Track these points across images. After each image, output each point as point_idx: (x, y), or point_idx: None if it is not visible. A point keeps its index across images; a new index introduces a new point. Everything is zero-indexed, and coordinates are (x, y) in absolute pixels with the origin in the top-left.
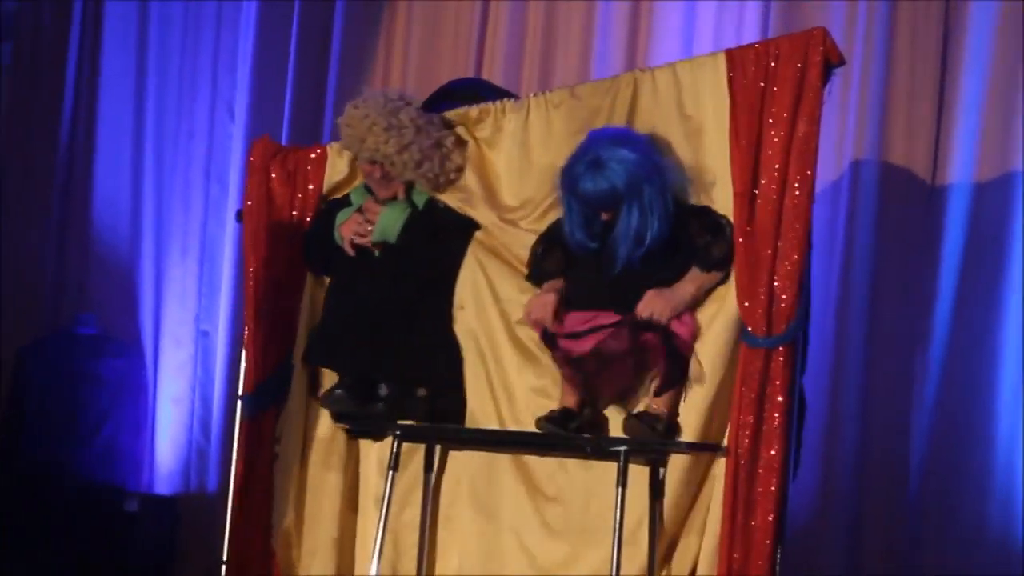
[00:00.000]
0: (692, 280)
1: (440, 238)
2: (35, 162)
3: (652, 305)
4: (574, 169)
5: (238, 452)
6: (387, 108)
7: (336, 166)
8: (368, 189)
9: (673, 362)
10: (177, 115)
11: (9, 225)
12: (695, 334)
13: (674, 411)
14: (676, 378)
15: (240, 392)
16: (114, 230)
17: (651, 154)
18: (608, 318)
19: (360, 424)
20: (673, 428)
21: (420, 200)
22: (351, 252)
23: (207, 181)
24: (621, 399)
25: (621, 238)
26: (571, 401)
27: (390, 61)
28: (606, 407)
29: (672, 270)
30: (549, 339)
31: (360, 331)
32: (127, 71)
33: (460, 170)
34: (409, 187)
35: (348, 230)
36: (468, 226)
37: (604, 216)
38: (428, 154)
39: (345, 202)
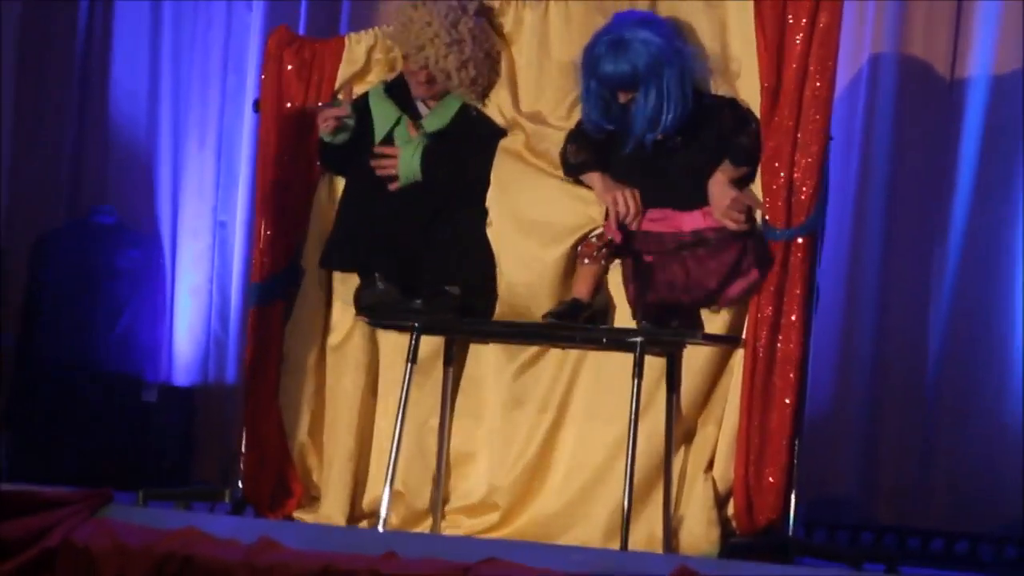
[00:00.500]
0: (724, 173)
1: (466, 151)
2: (52, 53)
3: (730, 204)
4: (595, 49)
5: (249, 338)
6: (449, 19)
7: (352, 56)
8: (387, 92)
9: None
10: (194, 3)
11: (27, 116)
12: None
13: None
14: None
15: (250, 280)
16: (132, 120)
17: (673, 39)
18: (674, 218)
19: (381, 316)
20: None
21: (452, 107)
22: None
23: (224, 71)
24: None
25: (637, 119)
26: (583, 291)
27: None
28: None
29: (707, 161)
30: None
31: (389, 233)
32: None
33: (493, 85)
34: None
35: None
36: (497, 133)
37: (622, 98)
38: (481, 69)
39: (362, 105)
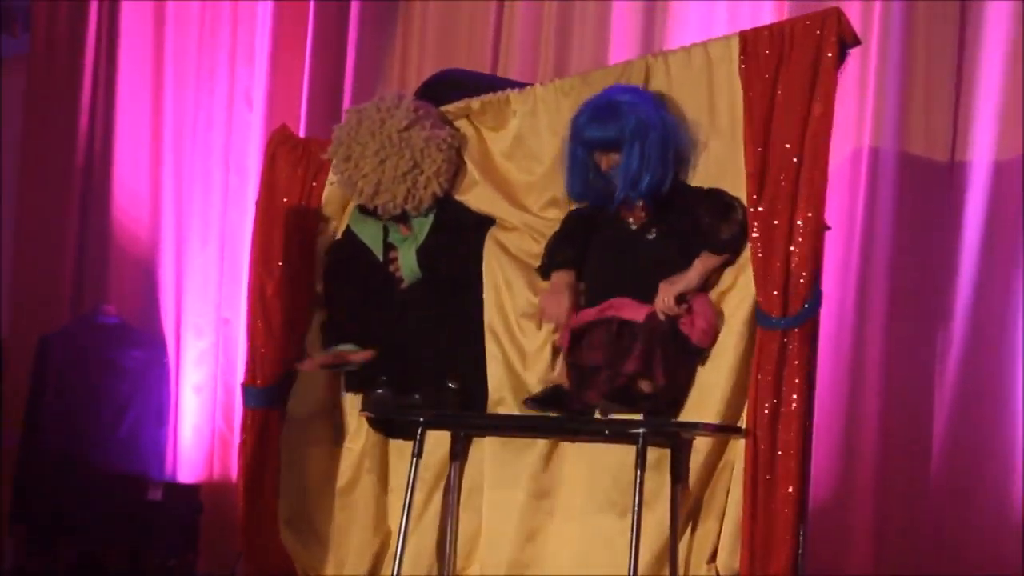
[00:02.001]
0: (701, 262)
1: (460, 238)
2: (55, 153)
3: (662, 294)
4: (581, 116)
5: (244, 442)
6: (379, 136)
7: None
8: (361, 211)
9: (677, 347)
10: (195, 104)
11: (30, 215)
12: (712, 323)
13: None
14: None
15: (244, 381)
16: (134, 220)
17: (659, 106)
18: (621, 307)
19: (392, 416)
20: (672, 405)
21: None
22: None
23: (226, 170)
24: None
25: (620, 177)
26: (565, 378)
27: (407, 50)
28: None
29: (684, 254)
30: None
31: (396, 343)
32: (144, 61)
33: (435, 196)
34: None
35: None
36: (484, 222)
37: (604, 164)
38: (401, 180)
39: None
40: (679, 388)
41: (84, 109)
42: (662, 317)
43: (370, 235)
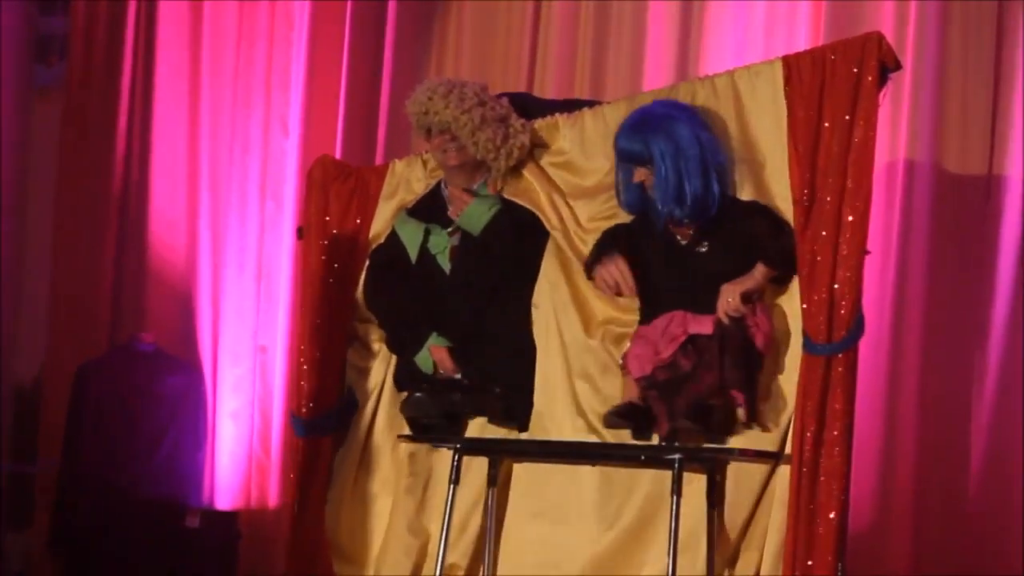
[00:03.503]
0: (758, 271)
1: (524, 234)
2: (91, 181)
3: (726, 295)
4: (620, 127)
5: (294, 469)
6: (447, 82)
7: (394, 181)
8: (410, 214)
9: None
10: (231, 131)
11: (67, 243)
12: (770, 330)
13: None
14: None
15: (294, 411)
16: (171, 247)
17: (697, 124)
18: (684, 321)
19: (424, 434)
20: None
21: (486, 206)
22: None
23: (262, 196)
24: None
25: (658, 193)
26: (634, 393)
27: (442, 72)
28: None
29: (736, 266)
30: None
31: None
32: (180, 88)
33: (524, 148)
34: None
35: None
36: (538, 227)
37: (636, 176)
38: (491, 122)
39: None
40: (754, 397)
41: (120, 136)
42: (726, 320)
43: (409, 234)
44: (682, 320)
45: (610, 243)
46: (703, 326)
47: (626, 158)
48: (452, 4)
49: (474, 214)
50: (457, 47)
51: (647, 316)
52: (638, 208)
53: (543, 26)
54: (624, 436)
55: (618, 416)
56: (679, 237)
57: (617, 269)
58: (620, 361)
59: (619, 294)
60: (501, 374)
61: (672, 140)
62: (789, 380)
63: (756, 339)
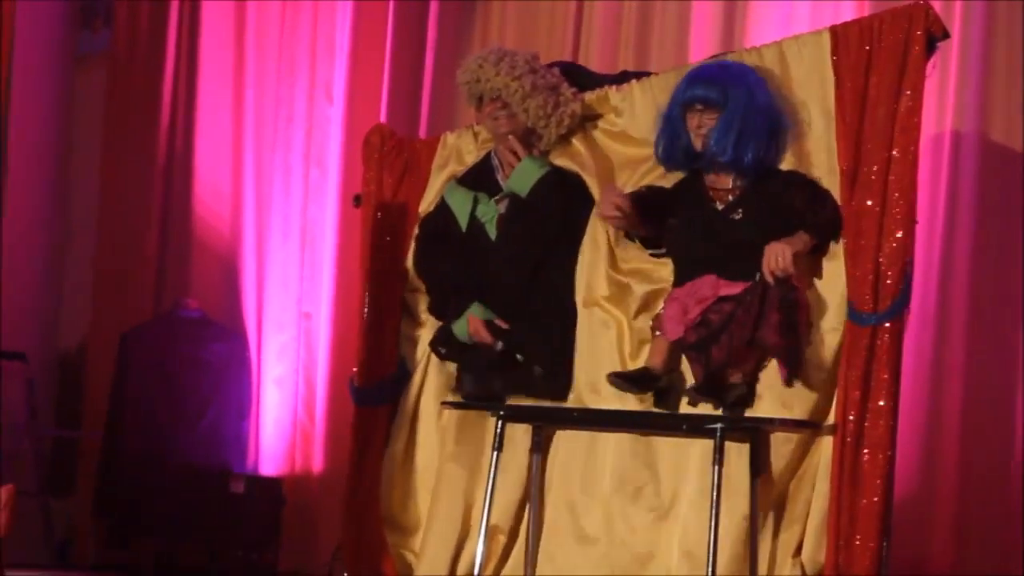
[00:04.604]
0: (794, 243)
1: (572, 196)
2: (136, 149)
3: (774, 254)
4: (686, 78)
5: (353, 438)
6: (497, 51)
7: (446, 152)
8: (459, 182)
9: (789, 317)
10: (276, 99)
11: (112, 211)
12: (807, 306)
13: (752, 379)
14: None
15: (354, 382)
16: (215, 215)
17: (769, 88)
18: (717, 285)
19: (470, 403)
20: (747, 398)
21: (532, 172)
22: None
23: (306, 164)
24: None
25: (717, 135)
26: (656, 362)
27: (487, 43)
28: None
29: (765, 237)
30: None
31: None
32: (225, 56)
33: (575, 116)
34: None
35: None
36: (591, 196)
37: (695, 122)
38: (542, 90)
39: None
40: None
41: (165, 105)
42: (771, 279)
43: (458, 202)
44: (713, 284)
45: (640, 192)
46: (733, 290)
47: (695, 100)
48: None
49: (524, 172)
50: (502, 14)
51: (679, 279)
52: (676, 162)
53: (586, 20)
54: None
55: (623, 379)
56: (717, 203)
57: (615, 194)
58: (651, 323)
59: (623, 215)
60: (545, 347)
61: (750, 94)
62: (831, 350)
63: (801, 302)
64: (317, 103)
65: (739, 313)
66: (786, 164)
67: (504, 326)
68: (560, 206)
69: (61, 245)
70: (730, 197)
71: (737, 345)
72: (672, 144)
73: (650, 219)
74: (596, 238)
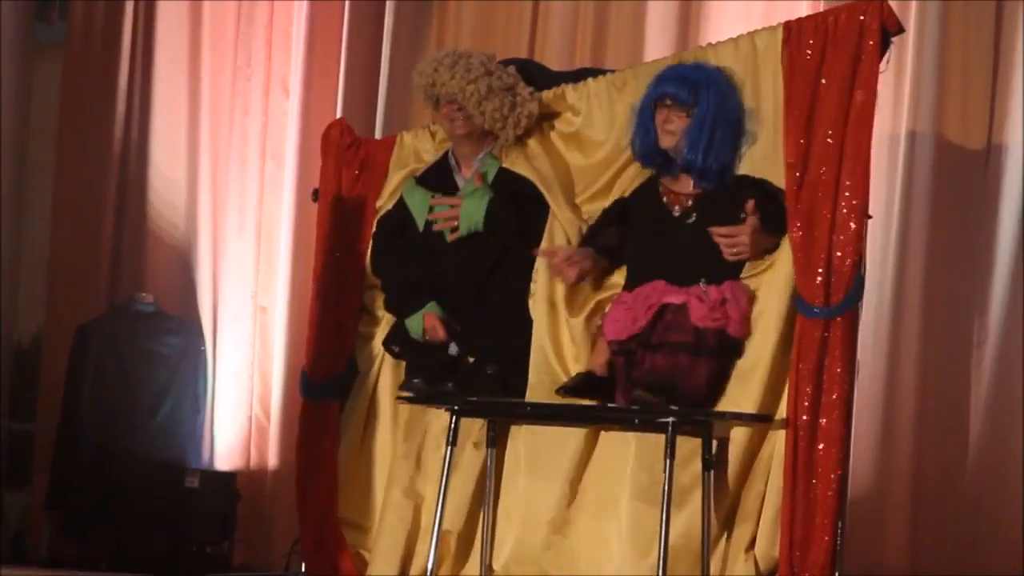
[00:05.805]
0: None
1: (524, 207)
2: (91, 140)
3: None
4: (663, 74)
5: (301, 432)
6: (453, 53)
7: (403, 152)
8: (418, 181)
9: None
10: (231, 92)
11: (66, 203)
12: (746, 312)
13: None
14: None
15: (304, 373)
16: (171, 207)
17: (734, 91)
18: (665, 292)
19: (426, 403)
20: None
21: (492, 168)
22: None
23: (262, 157)
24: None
25: (688, 139)
26: (598, 363)
27: (442, 41)
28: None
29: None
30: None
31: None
32: (181, 48)
33: (532, 117)
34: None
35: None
36: (544, 202)
37: (662, 116)
38: (498, 92)
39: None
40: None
41: (121, 96)
42: (729, 255)
43: (416, 203)
44: (661, 290)
45: (598, 227)
46: (676, 298)
47: (667, 97)
48: None
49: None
50: (459, 12)
51: (631, 282)
52: (652, 159)
53: (542, 20)
54: None
55: (568, 390)
56: (675, 207)
57: (568, 260)
58: (598, 323)
59: (586, 270)
60: (498, 348)
61: (722, 99)
62: (779, 344)
63: (728, 327)
64: (273, 96)
65: (678, 346)
66: (745, 159)
67: (458, 328)
68: (514, 221)
69: (16, 236)
70: (689, 202)
71: (663, 370)
72: (645, 141)
73: (608, 251)
74: (553, 240)
